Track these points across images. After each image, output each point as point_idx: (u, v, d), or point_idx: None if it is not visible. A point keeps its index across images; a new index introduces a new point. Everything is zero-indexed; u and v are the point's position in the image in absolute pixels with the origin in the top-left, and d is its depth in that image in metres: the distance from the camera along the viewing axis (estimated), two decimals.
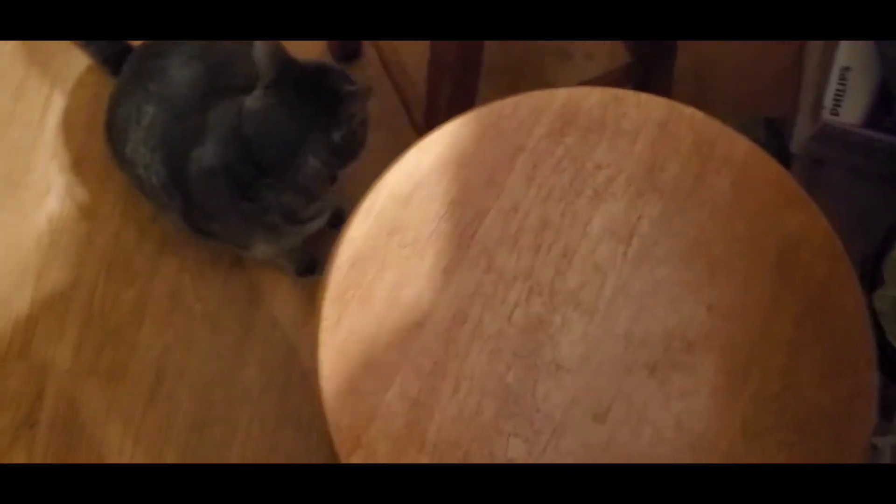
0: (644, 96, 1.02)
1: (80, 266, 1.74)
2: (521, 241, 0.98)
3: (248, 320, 1.71)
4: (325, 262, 1.64)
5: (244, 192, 1.36)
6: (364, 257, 0.97)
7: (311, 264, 1.71)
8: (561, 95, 1.02)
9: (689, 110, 1.01)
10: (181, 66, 1.48)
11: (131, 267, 1.74)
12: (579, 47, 1.87)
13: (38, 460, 1.61)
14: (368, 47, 1.81)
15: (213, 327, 1.70)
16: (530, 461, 0.91)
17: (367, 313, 0.96)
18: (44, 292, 1.72)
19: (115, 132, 1.56)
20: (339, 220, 1.69)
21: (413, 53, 1.67)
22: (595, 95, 1.02)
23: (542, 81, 1.83)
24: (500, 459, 0.91)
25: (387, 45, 1.60)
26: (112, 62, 1.72)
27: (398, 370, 0.94)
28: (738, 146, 1.01)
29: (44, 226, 1.76)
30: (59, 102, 1.83)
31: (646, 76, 1.59)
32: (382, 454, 0.92)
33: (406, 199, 0.99)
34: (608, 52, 1.87)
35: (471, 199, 0.98)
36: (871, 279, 1.28)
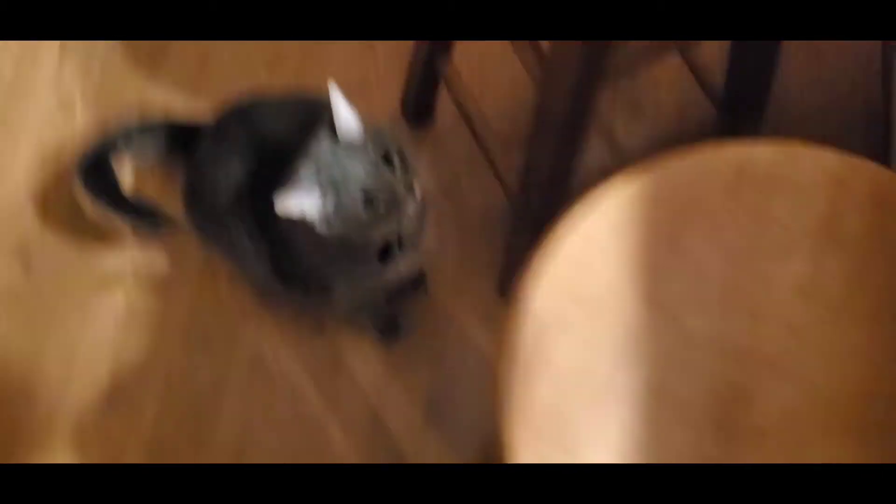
0: (816, 150, 0.99)
1: (158, 339, 1.69)
2: (707, 302, 0.95)
3: (331, 387, 1.67)
4: (407, 326, 1.62)
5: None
6: (545, 324, 0.93)
7: (394, 326, 1.67)
8: (730, 150, 1.00)
9: (863, 163, 0.99)
10: (266, 118, 1.47)
11: (209, 338, 1.69)
12: (650, 97, 1.86)
13: None
14: (442, 107, 1.78)
15: (294, 395, 1.66)
16: None
17: (552, 383, 0.92)
18: (122, 367, 1.67)
19: (197, 199, 1.53)
20: (420, 283, 1.66)
21: (494, 107, 1.65)
22: (766, 150, 1.00)
23: (613, 137, 1.81)
24: None
25: (468, 98, 1.58)
26: (177, 148, 1.70)
27: (590, 443, 0.90)
28: None
29: (119, 301, 1.71)
30: (130, 178, 1.79)
31: (732, 128, 1.57)
32: None
33: (583, 262, 0.96)
34: (676, 105, 1.86)
35: (650, 259, 0.94)
36: None
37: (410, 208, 1.25)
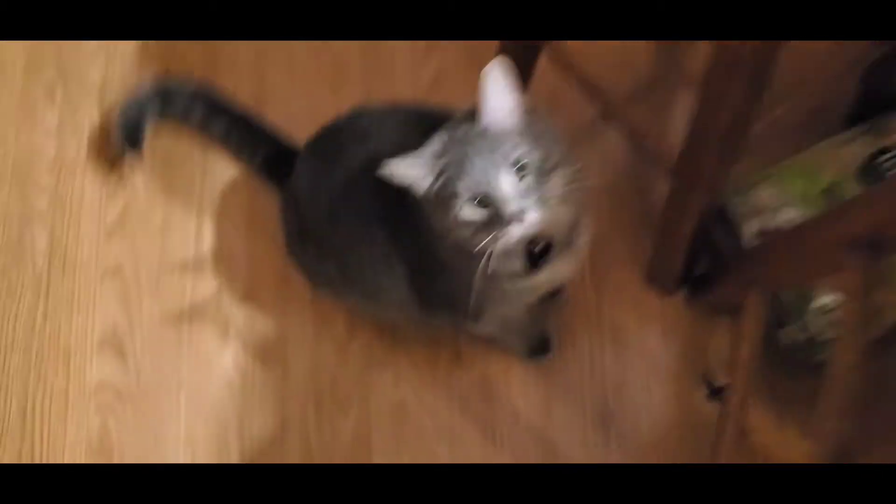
0: None
1: (284, 403, 1.53)
2: None
3: (488, 419, 1.51)
4: (555, 340, 1.46)
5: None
6: None
7: (542, 342, 1.50)
8: None
9: None
10: (381, 131, 1.29)
11: (340, 391, 1.53)
12: None
13: None
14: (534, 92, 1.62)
15: (451, 439, 1.50)
16: None
17: None
18: (252, 442, 1.51)
19: (309, 231, 1.37)
20: (560, 289, 1.49)
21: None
22: None
23: None
24: None
25: (576, 64, 1.41)
26: (268, 167, 1.54)
27: None
28: None
29: (231, 369, 1.54)
30: (209, 232, 1.63)
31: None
32: None
33: None
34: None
35: None
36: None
37: (515, 230, 1.06)
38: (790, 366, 1.46)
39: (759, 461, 1.39)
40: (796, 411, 1.45)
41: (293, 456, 1.49)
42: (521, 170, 1.04)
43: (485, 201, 1.05)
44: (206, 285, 1.59)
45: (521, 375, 1.52)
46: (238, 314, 1.57)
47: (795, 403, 1.45)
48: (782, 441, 1.42)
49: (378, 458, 1.49)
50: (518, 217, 1.04)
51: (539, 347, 1.51)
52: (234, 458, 1.49)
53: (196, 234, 1.62)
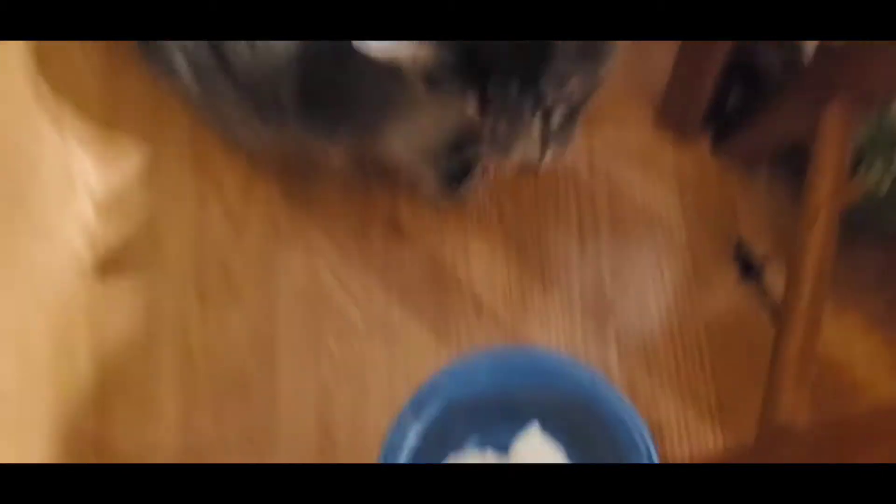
0: None
1: (155, 292, 1.13)
2: None
3: (440, 314, 1.14)
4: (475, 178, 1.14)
5: None
6: None
7: (462, 169, 1.13)
8: None
9: None
10: None
11: (233, 274, 1.14)
12: None
13: None
14: None
15: (386, 338, 1.12)
16: None
17: None
18: (109, 344, 1.10)
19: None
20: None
21: None
22: None
23: None
24: None
25: None
26: None
27: None
28: None
29: (81, 246, 1.15)
30: (50, 56, 1.21)
31: None
32: None
33: None
34: None
35: None
36: None
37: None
38: (848, 236, 1.08)
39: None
40: (858, 296, 1.09)
41: (166, 363, 1.10)
42: (556, 101, 0.81)
43: (497, 118, 0.81)
44: (45, 128, 1.18)
45: (484, 252, 1.17)
46: (90, 169, 1.17)
47: (855, 286, 1.13)
48: (842, 334, 1.06)
49: (285, 365, 1.11)
50: (532, 166, 0.88)
51: (457, 175, 1.13)
52: (82, 364, 1.10)
53: (29, 60, 1.20)
